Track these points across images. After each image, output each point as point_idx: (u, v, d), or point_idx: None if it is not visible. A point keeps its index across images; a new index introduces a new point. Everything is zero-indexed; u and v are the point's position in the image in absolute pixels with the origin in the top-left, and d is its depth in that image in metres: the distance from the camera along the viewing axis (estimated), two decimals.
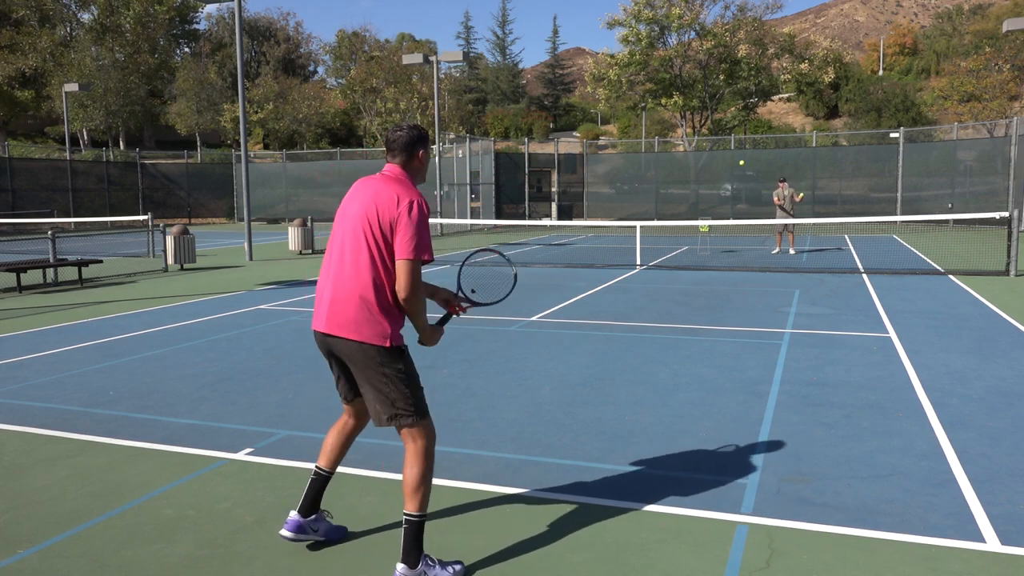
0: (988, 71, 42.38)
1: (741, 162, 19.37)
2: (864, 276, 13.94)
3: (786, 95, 63.99)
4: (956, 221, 27.98)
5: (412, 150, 3.44)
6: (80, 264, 14.22)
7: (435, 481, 4.35)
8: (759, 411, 5.68)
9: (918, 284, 12.80)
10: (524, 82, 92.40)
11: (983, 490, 4.15)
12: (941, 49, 72.17)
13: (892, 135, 34.31)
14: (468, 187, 33.26)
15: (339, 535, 3.71)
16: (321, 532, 3.63)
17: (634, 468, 4.56)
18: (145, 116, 55.45)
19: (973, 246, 19.36)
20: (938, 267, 15.18)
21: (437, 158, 29.46)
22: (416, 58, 29.73)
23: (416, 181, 3.48)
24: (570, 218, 36.33)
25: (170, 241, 16.78)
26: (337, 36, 76.40)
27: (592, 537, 3.68)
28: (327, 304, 3.35)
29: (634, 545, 3.60)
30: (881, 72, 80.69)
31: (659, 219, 32.18)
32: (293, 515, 3.58)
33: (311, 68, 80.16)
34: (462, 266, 3.92)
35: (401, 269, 3.24)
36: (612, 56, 39.96)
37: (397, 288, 3.27)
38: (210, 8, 75.17)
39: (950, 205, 29.02)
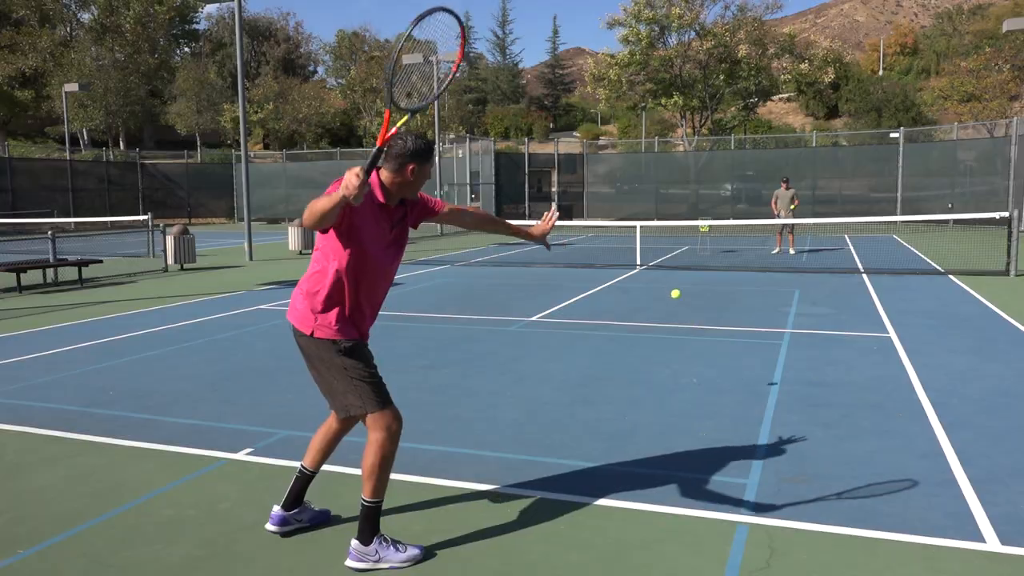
0: (988, 71, 42.38)
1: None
2: (864, 276, 13.94)
3: (786, 95, 63.97)
4: (956, 221, 27.97)
5: (401, 162, 3.33)
6: (80, 264, 14.22)
7: (435, 481, 4.36)
8: (759, 411, 5.68)
9: (918, 284, 12.80)
10: (524, 82, 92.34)
11: (983, 490, 4.15)
12: (941, 49, 72.15)
13: (892, 135, 34.32)
14: (468, 187, 33.27)
15: (324, 518, 3.85)
16: (306, 519, 3.78)
17: (634, 468, 4.56)
18: (145, 116, 55.47)
19: (973, 246, 19.35)
20: (938, 267, 15.18)
21: (437, 158, 29.47)
22: (416, 58, 29.71)
23: (401, 186, 3.38)
24: (570, 218, 36.33)
25: (170, 241, 16.77)
26: (337, 36, 76.33)
27: (592, 537, 3.68)
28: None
29: (634, 545, 3.60)
30: (881, 72, 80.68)
31: (659, 219, 32.18)
32: (276, 509, 3.71)
33: (311, 68, 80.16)
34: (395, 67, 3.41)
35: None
36: (612, 56, 39.95)
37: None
38: (210, 8, 75.09)
39: (950, 205, 29.02)
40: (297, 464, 4.69)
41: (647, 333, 8.86)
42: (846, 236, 24.68)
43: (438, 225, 28.95)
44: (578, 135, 67.32)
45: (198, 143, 55.41)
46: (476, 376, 6.87)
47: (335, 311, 3.37)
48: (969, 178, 30.22)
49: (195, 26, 69.37)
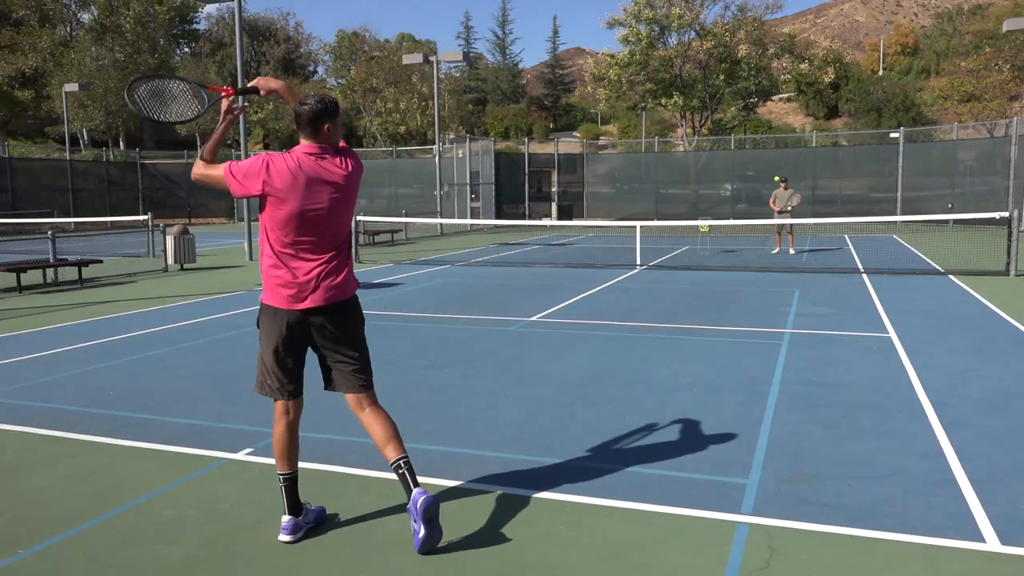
0: (988, 71, 42.39)
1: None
2: (864, 276, 13.94)
3: (786, 95, 63.95)
4: (956, 221, 27.97)
5: (317, 125, 3.55)
6: (80, 264, 14.22)
7: (434, 480, 4.37)
8: (759, 411, 5.68)
9: (918, 284, 12.80)
10: (524, 82, 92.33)
11: (983, 490, 4.15)
12: (941, 49, 72.16)
13: (892, 135, 34.31)
14: (468, 187, 33.26)
15: (324, 515, 3.91)
16: (312, 520, 3.81)
17: (634, 468, 4.56)
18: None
19: (973, 246, 19.35)
20: (938, 267, 15.18)
21: (437, 158, 29.46)
22: (416, 58, 29.74)
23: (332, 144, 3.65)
24: (570, 218, 36.33)
25: (170, 241, 16.77)
26: (337, 36, 76.32)
27: (592, 537, 3.68)
28: None
29: (634, 545, 3.60)
30: (881, 72, 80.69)
31: (659, 219, 32.18)
32: (286, 519, 3.69)
33: (311, 68, 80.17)
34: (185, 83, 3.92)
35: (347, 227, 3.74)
36: (612, 56, 39.96)
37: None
38: (210, 8, 75.16)
39: (950, 205, 29.02)
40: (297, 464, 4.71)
41: (647, 333, 8.86)
42: (846, 236, 24.69)
43: (438, 225, 28.95)
44: (578, 135, 67.33)
45: (198, 143, 55.38)
46: (476, 376, 6.87)
47: (269, 283, 3.65)
48: (969, 178, 30.22)
49: (195, 26, 69.44)
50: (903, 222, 29.16)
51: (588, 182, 38.16)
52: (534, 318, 9.96)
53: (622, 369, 7.09)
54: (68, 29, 57.77)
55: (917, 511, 3.90)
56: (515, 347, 8.12)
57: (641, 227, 18.07)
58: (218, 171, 3.55)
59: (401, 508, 3.97)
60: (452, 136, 40.53)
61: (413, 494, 3.49)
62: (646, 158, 38.67)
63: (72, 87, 37.41)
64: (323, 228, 3.55)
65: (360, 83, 56.96)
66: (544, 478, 4.42)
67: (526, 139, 41.05)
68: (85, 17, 56.10)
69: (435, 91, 29.72)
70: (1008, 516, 3.82)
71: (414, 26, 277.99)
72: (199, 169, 3.61)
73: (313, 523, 3.80)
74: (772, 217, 18.48)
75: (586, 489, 4.24)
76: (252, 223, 20.14)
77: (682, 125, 42.36)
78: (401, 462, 3.58)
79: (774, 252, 18.67)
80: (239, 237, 27.41)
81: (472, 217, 32.53)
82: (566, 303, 11.22)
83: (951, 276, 13.75)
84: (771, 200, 18.34)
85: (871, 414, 5.57)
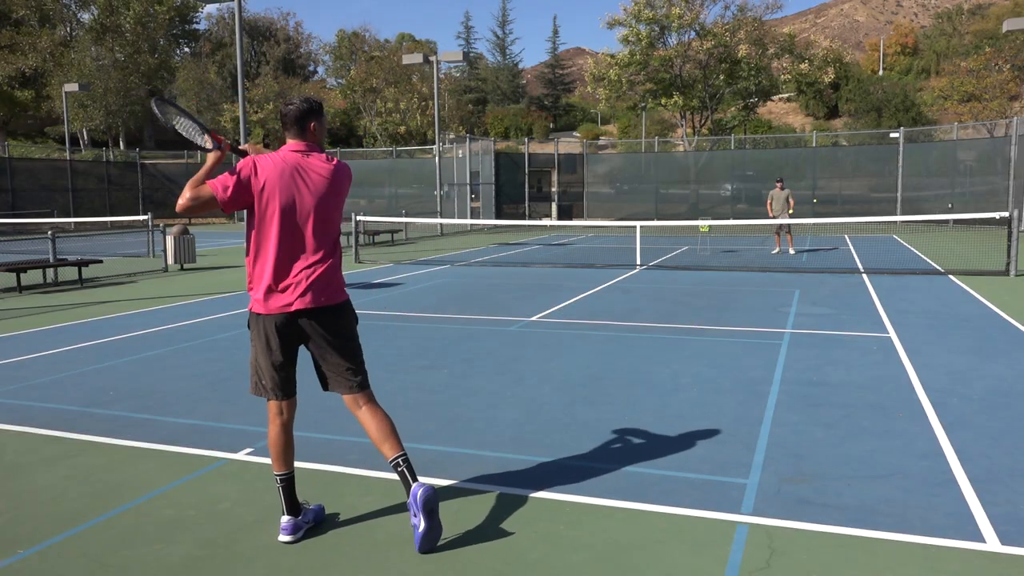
0: (988, 71, 42.38)
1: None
2: (864, 276, 13.94)
3: (786, 95, 63.96)
4: (956, 221, 27.98)
5: (303, 123, 3.65)
6: (80, 264, 14.22)
7: (434, 480, 4.36)
8: (759, 411, 5.68)
9: (918, 284, 12.80)
10: (524, 82, 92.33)
11: (983, 490, 4.15)
12: (941, 49, 72.16)
13: (892, 135, 34.30)
14: (468, 187, 33.26)
15: (323, 514, 3.91)
16: (311, 520, 3.81)
17: (634, 468, 4.56)
18: (145, 116, 55.41)
19: (973, 246, 19.36)
20: (938, 267, 15.18)
21: (437, 158, 29.46)
22: (416, 58, 29.74)
23: (318, 143, 3.72)
24: (570, 218, 36.33)
25: (170, 241, 16.77)
26: (337, 36, 76.39)
27: (592, 537, 3.68)
28: None
29: (634, 545, 3.60)
30: (881, 72, 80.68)
31: (659, 219, 32.18)
32: (286, 519, 3.68)
33: (311, 68, 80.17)
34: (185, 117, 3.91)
35: (336, 233, 3.71)
36: (612, 56, 39.96)
37: None
38: (210, 8, 75.16)
39: (950, 205, 29.02)
40: (296, 463, 4.70)
41: (647, 333, 8.86)
42: (846, 236, 24.68)
43: (438, 225, 28.95)
44: (578, 135, 67.31)
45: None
46: (476, 376, 6.87)
47: (258, 288, 3.61)
48: (969, 178, 30.22)
49: (195, 26, 69.40)
50: (903, 222, 29.16)
51: (588, 182, 38.17)
52: (534, 318, 9.96)
53: (622, 369, 7.09)
54: (68, 29, 57.77)
55: (917, 511, 3.90)
56: (515, 347, 8.12)
57: (641, 227, 18.06)
58: (206, 188, 3.55)
59: (401, 508, 3.97)
60: (452, 136, 40.53)
61: (412, 487, 3.49)
62: (646, 158, 38.66)
63: (72, 87, 37.41)
64: (309, 227, 3.55)
65: (360, 83, 56.97)
66: (544, 478, 4.42)
67: (526, 139, 41.05)
68: (85, 17, 56.12)
69: (435, 91, 29.72)
70: (1008, 516, 3.82)
71: (414, 26, 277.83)
72: (185, 194, 3.55)
73: (312, 522, 3.80)
74: (770, 218, 18.48)
75: (586, 489, 4.24)
76: None
77: (682, 125, 42.36)
78: (400, 459, 3.58)
79: (774, 252, 18.67)
80: (239, 237, 27.43)
81: (472, 217, 32.52)
82: (566, 303, 11.22)
83: (951, 276, 13.75)
84: (768, 202, 18.32)
85: (871, 414, 5.57)
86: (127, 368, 7.34)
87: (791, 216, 18.04)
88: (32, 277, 14.63)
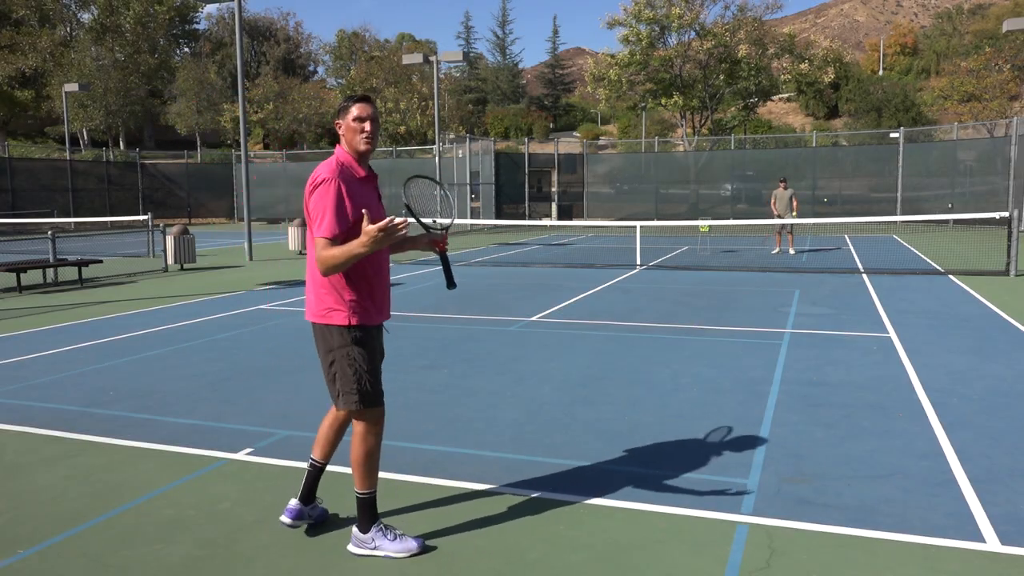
0: (988, 71, 42.36)
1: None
2: (864, 276, 13.94)
3: (786, 95, 63.95)
4: (956, 221, 27.97)
5: (336, 125, 3.53)
6: (80, 264, 14.23)
7: (435, 481, 4.36)
8: (759, 411, 5.68)
9: (918, 284, 12.80)
10: (524, 82, 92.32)
11: (983, 490, 4.15)
12: (941, 49, 72.16)
13: (892, 135, 34.31)
14: (468, 187, 33.26)
15: (326, 516, 3.90)
16: (315, 517, 3.83)
17: (634, 468, 4.56)
18: (145, 116, 55.49)
19: (973, 246, 19.36)
20: (938, 267, 15.18)
21: (437, 158, 29.45)
22: (416, 58, 29.74)
23: (351, 149, 3.47)
24: (570, 218, 36.33)
25: (170, 241, 16.78)
26: (337, 36, 76.43)
27: (592, 537, 3.68)
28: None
29: (634, 545, 3.60)
30: (881, 72, 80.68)
31: (659, 219, 32.18)
32: (293, 502, 3.73)
33: (311, 68, 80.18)
34: (409, 204, 3.75)
35: (314, 247, 3.34)
36: (612, 56, 39.95)
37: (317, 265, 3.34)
38: (210, 8, 75.15)
39: (950, 205, 29.02)
40: (297, 464, 4.71)
41: (647, 333, 8.86)
42: (846, 236, 24.69)
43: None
44: (578, 135, 67.32)
45: (198, 143, 55.41)
46: (476, 376, 6.87)
47: (346, 296, 3.44)
48: (969, 178, 30.22)
49: (195, 26, 69.40)
50: (903, 222, 29.16)
51: (588, 182, 38.17)
52: (534, 318, 9.96)
53: (622, 369, 7.09)
54: (68, 29, 57.77)
55: (917, 511, 3.90)
56: (515, 347, 8.12)
57: (641, 227, 18.06)
58: (327, 250, 3.30)
59: (401, 508, 3.97)
60: (452, 136, 40.54)
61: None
62: (646, 158, 38.66)
63: (72, 87, 37.41)
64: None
65: (360, 83, 56.97)
66: (544, 478, 4.42)
67: (526, 139, 41.06)
68: (85, 17, 56.13)
69: (435, 91, 29.72)
70: (1008, 516, 3.82)
71: (414, 26, 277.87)
72: (323, 258, 3.30)
73: (315, 520, 3.82)
74: (772, 217, 18.50)
75: (586, 489, 4.24)
76: (252, 223, 20.15)
77: (682, 125, 42.35)
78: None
79: (774, 252, 18.67)
80: (239, 237, 27.43)
81: (472, 217, 32.52)
82: (566, 303, 11.22)
83: (951, 276, 13.75)
84: (772, 201, 18.35)
85: (871, 414, 5.57)
86: (127, 368, 7.34)
87: (796, 217, 18.04)
88: (32, 277, 14.63)
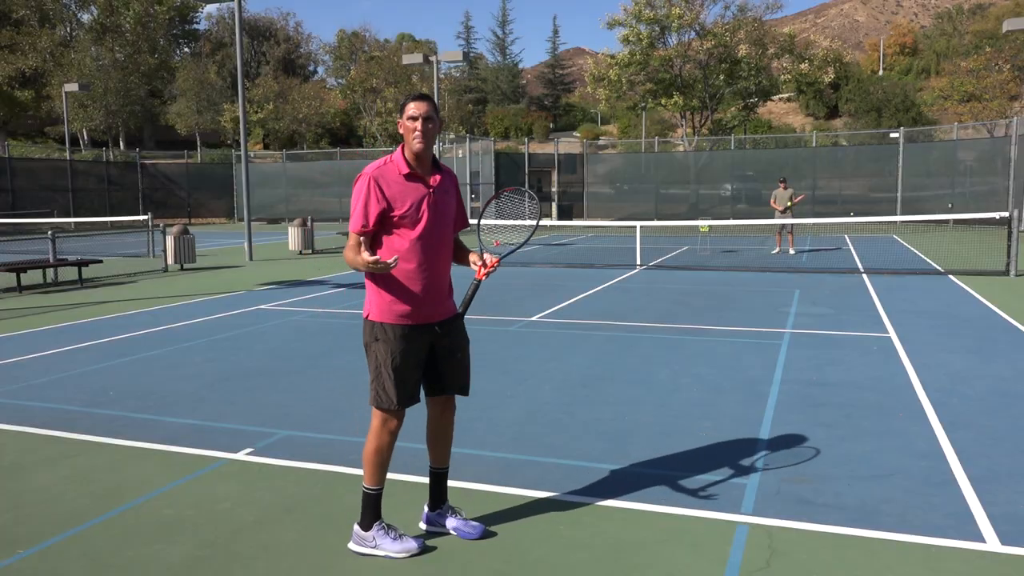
0: (988, 71, 42.34)
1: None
2: (864, 276, 13.94)
3: (786, 95, 63.92)
4: (956, 221, 27.97)
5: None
6: (80, 264, 14.22)
7: None
8: (759, 411, 5.68)
9: (918, 284, 12.80)
10: (524, 82, 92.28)
11: (983, 490, 4.15)
12: (941, 49, 72.15)
13: (892, 135, 34.31)
14: (468, 187, 33.26)
15: (475, 532, 3.67)
16: (449, 526, 3.74)
17: (634, 468, 4.56)
18: (145, 116, 55.45)
19: (973, 246, 19.35)
20: (938, 267, 15.18)
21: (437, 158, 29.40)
22: (416, 58, 29.74)
23: (407, 148, 3.48)
24: (570, 218, 36.32)
25: (170, 241, 16.78)
26: (337, 36, 76.39)
27: (592, 537, 3.68)
28: None
29: (634, 545, 3.60)
30: (881, 72, 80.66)
31: (659, 219, 32.17)
32: (426, 508, 3.80)
33: (311, 68, 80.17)
34: (480, 219, 3.74)
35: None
36: (612, 56, 39.93)
37: None
38: (210, 8, 75.15)
39: (950, 205, 29.02)
40: (295, 463, 4.72)
41: (647, 333, 8.86)
42: (846, 236, 24.69)
43: None
44: (578, 135, 67.30)
45: (198, 143, 55.40)
46: (476, 376, 6.82)
47: (382, 293, 3.48)
48: (969, 178, 30.21)
49: (195, 26, 69.41)
50: (903, 222, 29.16)
51: (588, 182, 38.17)
52: (534, 318, 9.96)
53: (622, 369, 7.09)
54: (68, 29, 57.77)
55: (917, 511, 3.90)
56: (515, 347, 8.12)
57: (641, 227, 18.06)
58: (354, 242, 3.45)
59: (402, 509, 3.97)
60: (452, 136, 40.51)
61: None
62: (646, 158, 38.66)
63: (72, 87, 37.39)
64: None
65: (360, 83, 56.94)
66: (544, 478, 4.42)
67: (526, 139, 41.08)
68: (85, 17, 56.14)
69: (435, 91, 29.72)
70: (1008, 516, 3.82)
71: (414, 26, 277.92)
72: (345, 252, 3.50)
73: (450, 530, 3.74)
74: (773, 216, 18.50)
75: (586, 489, 4.24)
76: (252, 223, 20.14)
77: (682, 125, 42.34)
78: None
79: (774, 252, 18.67)
80: (239, 237, 27.41)
81: (472, 217, 32.47)
82: (566, 303, 11.22)
83: (951, 276, 13.75)
84: (772, 200, 18.39)
85: (871, 414, 5.57)
86: (127, 368, 7.34)
87: (790, 209, 17.99)
88: (32, 277, 14.63)
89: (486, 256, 3.56)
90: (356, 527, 3.58)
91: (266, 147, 58.55)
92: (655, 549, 3.55)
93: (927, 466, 4.53)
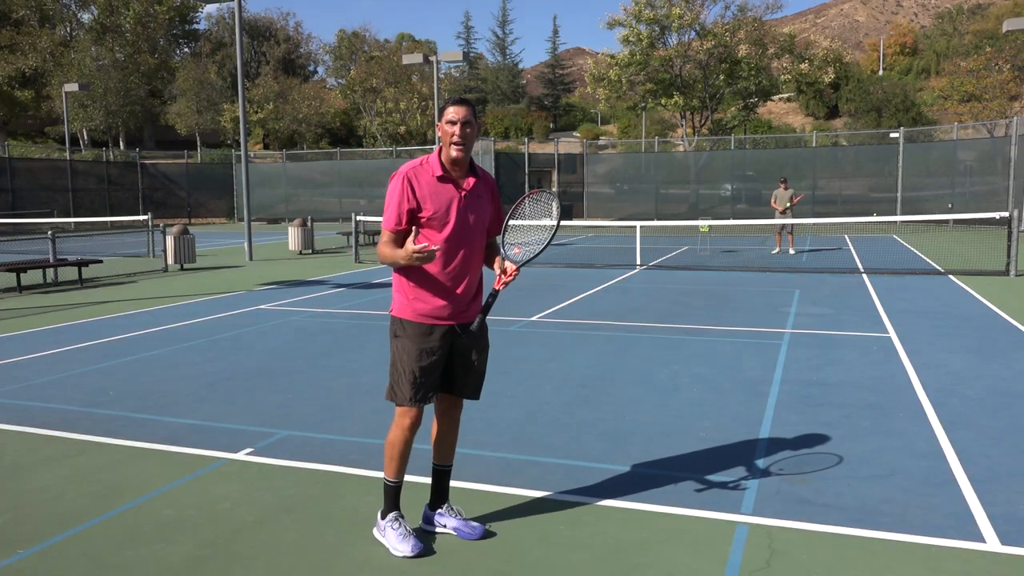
0: (988, 71, 42.34)
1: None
2: (864, 276, 13.94)
3: (786, 95, 63.89)
4: (956, 221, 27.97)
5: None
6: (80, 264, 14.22)
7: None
8: (759, 411, 5.68)
9: (918, 284, 12.80)
10: (524, 82, 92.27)
11: (983, 490, 4.15)
12: (941, 49, 72.13)
13: (892, 135, 34.30)
14: None
15: (475, 533, 3.69)
16: (449, 527, 3.76)
17: (634, 468, 4.56)
18: (145, 116, 55.44)
19: (973, 246, 19.35)
20: (938, 267, 15.18)
21: None
22: (416, 58, 29.74)
23: (444, 151, 3.47)
24: (570, 218, 36.31)
25: (170, 241, 16.78)
26: (337, 36, 76.35)
27: (592, 537, 3.68)
28: None
29: (634, 545, 3.60)
30: (881, 72, 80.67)
31: (659, 219, 32.17)
32: (425, 507, 3.85)
33: (311, 68, 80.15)
34: (505, 229, 3.67)
35: None
36: (612, 56, 39.93)
37: None
38: (210, 8, 75.16)
39: (950, 205, 29.02)
40: (295, 463, 4.72)
41: (647, 333, 8.86)
42: (846, 236, 24.69)
43: None
44: (578, 135, 67.29)
45: (198, 143, 55.38)
46: None
47: (408, 291, 3.52)
48: (969, 178, 30.21)
49: (195, 26, 69.33)
50: (903, 222, 29.15)
51: (588, 182, 38.16)
52: (534, 318, 9.96)
53: (622, 369, 7.09)
54: (68, 29, 57.76)
55: (917, 511, 3.90)
56: (515, 347, 8.12)
57: (641, 227, 18.06)
58: (385, 240, 3.49)
59: (401, 508, 3.97)
60: None
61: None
62: (646, 158, 38.66)
63: (72, 87, 37.39)
64: None
65: (360, 83, 56.93)
66: (544, 478, 4.42)
67: (526, 139, 41.07)
68: (85, 17, 56.11)
69: (435, 91, 29.73)
70: (1008, 516, 3.82)
71: (414, 26, 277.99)
72: (379, 249, 3.57)
73: (450, 530, 3.76)
74: (773, 216, 18.51)
75: (586, 489, 4.24)
76: (252, 223, 20.14)
77: (682, 125, 42.34)
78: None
79: (774, 252, 18.67)
80: (239, 237, 27.41)
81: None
82: (566, 303, 11.22)
83: (951, 276, 13.75)
84: (772, 200, 18.41)
85: (871, 414, 5.57)
86: (127, 368, 7.34)
87: (789, 209, 18.00)
88: (32, 277, 14.63)
89: (507, 264, 3.52)
90: (379, 514, 3.69)
91: (266, 147, 58.54)
92: (655, 549, 3.55)
93: (927, 466, 4.53)
